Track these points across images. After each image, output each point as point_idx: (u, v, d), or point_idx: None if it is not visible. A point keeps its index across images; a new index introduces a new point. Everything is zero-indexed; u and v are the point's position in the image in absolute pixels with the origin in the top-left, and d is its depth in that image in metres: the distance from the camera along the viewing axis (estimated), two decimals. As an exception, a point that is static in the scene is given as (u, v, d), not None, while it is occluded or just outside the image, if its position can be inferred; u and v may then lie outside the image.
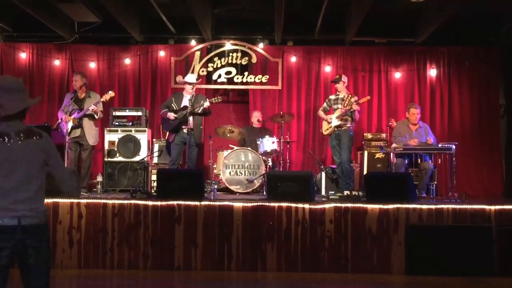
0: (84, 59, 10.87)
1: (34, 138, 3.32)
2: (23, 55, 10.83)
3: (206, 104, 8.58)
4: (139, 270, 6.89)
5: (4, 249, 3.14)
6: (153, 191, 8.35)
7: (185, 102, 8.72)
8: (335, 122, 8.72)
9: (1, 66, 10.85)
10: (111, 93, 8.79)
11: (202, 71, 10.74)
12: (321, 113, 9.15)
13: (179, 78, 9.60)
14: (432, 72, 10.65)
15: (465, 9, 9.15)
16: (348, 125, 8.72)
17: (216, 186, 8.25)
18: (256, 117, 10.07)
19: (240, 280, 6.72)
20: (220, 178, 9.12)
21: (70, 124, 8.33)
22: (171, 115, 8.63)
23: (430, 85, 10.69)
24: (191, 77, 9.01)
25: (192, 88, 8.79)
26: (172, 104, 8.81)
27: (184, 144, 8.64)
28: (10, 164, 3.21)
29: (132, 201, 7.04)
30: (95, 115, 8.50)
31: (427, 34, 10.01)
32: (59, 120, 8.63)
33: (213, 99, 8.76)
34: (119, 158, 9.35)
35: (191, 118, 8.52)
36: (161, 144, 9.84)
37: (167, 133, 9.20)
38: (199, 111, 8.60)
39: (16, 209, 3.18)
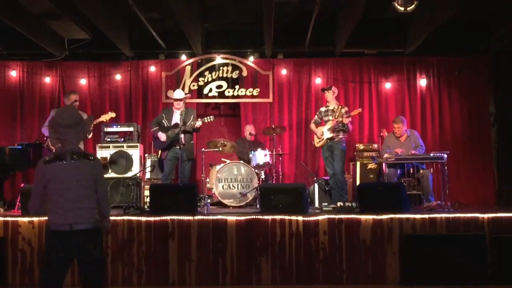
0: (75, 76, 10.86)
1: (86, 160, 4.00)
2: (13, 73, 10.81)
3: (198, 124, 8.54)
4: (133, 287, 6.85)
5: (61, 250, 3.85)
6: (146, 206, 8.31)
7: (176, 118, 8.68)
8: (327, 134, 8.74)
9: (-9, 84, 10.83)
10: (111, 114, 8.83)
11: (193, 86, 10.75)
12: (312, 126, 9.17)
13: (170, 93, 9.59)
14: (422, 82, 10.71)
15: (453, 19, 9.22)
16: (341, 136, 8.73)
17: (209, 200, 8.23)
18: (248, 130, 10.09)
19: (235, 294, 6.71)
20: (213, 192, 9.11)
21: None
22: (163, 137, 8.60)
23: (421, 95, 10.75)
24: (177, 93, 8.97)
25: (182, 103, 8.76)
26: (163, 121, 8.79)
27: (176, 159, 8.62)
28: (66, 180, 3.89)
29: (125, 217, 7.02)
30: (88, 135, 8.58)
31: (416, 44, 10.06)
32: (45, 137, 8.63)
33: (205, 118, 8.69)
34: (111, 174, 9.30)
35: (182, 135, 8.49)
36: (154, 159, 9.81)
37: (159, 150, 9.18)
38: (189, 129, 8.57)
39: (68, 217, 3.87)
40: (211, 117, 8.75)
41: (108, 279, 6.83)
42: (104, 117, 8.73)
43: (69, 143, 3.97)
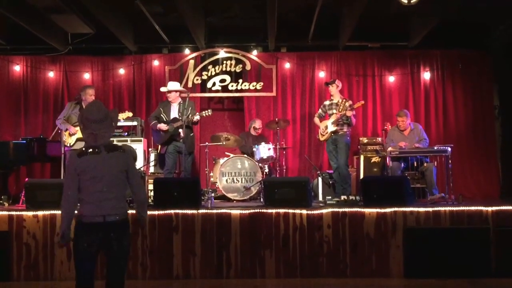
0: (78, 70, 10.87)
1: (118, 152, 4.12)
2: (17, 68, 10.82)
3: (196, 118, 8.50)
4: (138, 280, 6.86)
5: (94, 241, 3.97)
6: (150, 200, 8.33)
7: (174, 111, 8.69)
8: (331, 127, 8.73)
9: (-5, 79, 10.85)
10: (128, 113, 8.82)
11: (197, 80, 10.75)
12: (316, 120, 9.18)
13: (163, 89, 9.39)
14: (426, 75, 10.69)
15: (456, 11, 9.19)
16: (345, 129, 8.73)
17: (213, 194, 8.24)
18: (253, 125, 10.04)
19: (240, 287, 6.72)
20: (217, 186, 9.11)
21: (76, 136, 8.30)
22: (163, 126, 8.59)
23: (424, 88, 10.73)
24: (169, 85, 8.95)
25: (174, 96, 8.74)
26: (161, 115, 8.75)
27: (177, 153, 8.62)
28: (99, 172, 4.00)
29: (129, 211, 6.99)
30: None
31: (419, 37, 10.05)
32: (59, 130, 8.63)
33: (203, 112, 8.66)
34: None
35: (181, 129, 8.45)
36: (157, 154, 9.80)
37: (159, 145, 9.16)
38: (188, 124, 8.52)
39: (102, 208, 3.99)
40: (209, 111, 8.70)
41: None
42: (121, 116, 8.73)
43: (102, 137, 4.06)
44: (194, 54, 10.80)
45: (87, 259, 4.00)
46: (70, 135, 8.39)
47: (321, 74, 10.77)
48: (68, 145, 8.43)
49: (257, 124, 10.07)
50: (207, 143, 9.30)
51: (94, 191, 3.99)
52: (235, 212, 7.01)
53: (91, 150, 4.04)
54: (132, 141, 9.53)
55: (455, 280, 6.61)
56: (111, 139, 4.25)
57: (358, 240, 6.92)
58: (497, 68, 10.56)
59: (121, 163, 4.10)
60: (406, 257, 6.84)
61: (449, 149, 8.11)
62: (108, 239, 3.99)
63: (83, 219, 4.00)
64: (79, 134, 8.18)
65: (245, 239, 6.94)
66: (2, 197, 8.32)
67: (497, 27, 10.16)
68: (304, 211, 6.98)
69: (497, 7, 9.28)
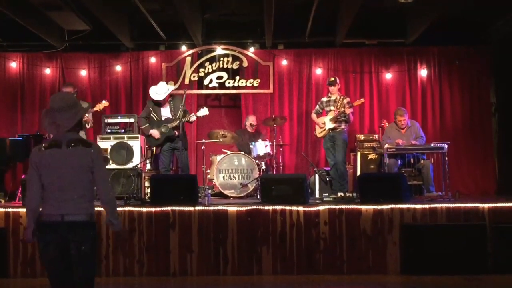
0: (75, 67, 10.85)
1: (84, 147, 3.82)
2: (14, 65, 10.81)
3: (193, 119, 8.49)
4: (134, 277, 6.87)
5: (50, 243, 3.70)
6: (147, 197, 8.32)
7: (165, 110, 8.66)
8: (329, 124, 8.73)
9: (-9, 75, 10.82)
10: (104, 103, 8.82)
11: (194, 77, 10.74)
12: (314, 116, 9.17)
13: (152, 94, 9.19)
14: (423, 72, 10.69)
15: (453, 9, 9.19)
16: (342, 126, 8.74)
17: (210, 191, 8.24)
18: (249, 121, 10.05)
19: (236, 284, 6.70)
20: (214, 183, 9.11)
21: None
22: (156, 134, 8.54)
23: (421, 85, 10.73)
24: (160, 87, 8.74)
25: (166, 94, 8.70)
26: (151, 115, 8.70)
27: (173, 150, 8.62)
28: (60, 168, 3.74)
29: (126, 208, 7.03)
30: (86, 125, 8.54)
31: (416, 34, 10.05)
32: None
33: (199, 113, 8.60)
34: (112, 165, 9.28)
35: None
36: (153, 154, 9.80)
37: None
38: (182, 124, 8.47)
39: (61, 207, 3.71)
40: (205, 110, 8.64)
41: (109, 271, 6.89)
42: (98, 107, 8.72)
43: (63, 127, 3.78)
44: (191, 51, 10.79)
45: (49, 259, 3.74)
46: None
47: (318, 71, 10.77)
48: None
49: (252, 120, 10.06)
50: (203, 140, 9.32)
51: (54, 189, 3.73)
52: (232, 209, 7.01)
53: (52, 144, 3.78)
54: (129, 137, 9.47)
55: (451, 276, 6.63)
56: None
57: (355, 236, 6.93)
58: (494, 65, 10.56)
59: (84, 159, 3.79)
60: (403, 254, 6.85)
61: (446, 146, 8.12)
62: (65, 240, 3.71)
63: (42, 218, 3.75)
64: None
65: (242, 235, 6.94)
66: (-1, 194, 8.33)
67: (495, 24, 10.16)
68: (301, 208, 6.98)
69: (494, 4, 9.28)
